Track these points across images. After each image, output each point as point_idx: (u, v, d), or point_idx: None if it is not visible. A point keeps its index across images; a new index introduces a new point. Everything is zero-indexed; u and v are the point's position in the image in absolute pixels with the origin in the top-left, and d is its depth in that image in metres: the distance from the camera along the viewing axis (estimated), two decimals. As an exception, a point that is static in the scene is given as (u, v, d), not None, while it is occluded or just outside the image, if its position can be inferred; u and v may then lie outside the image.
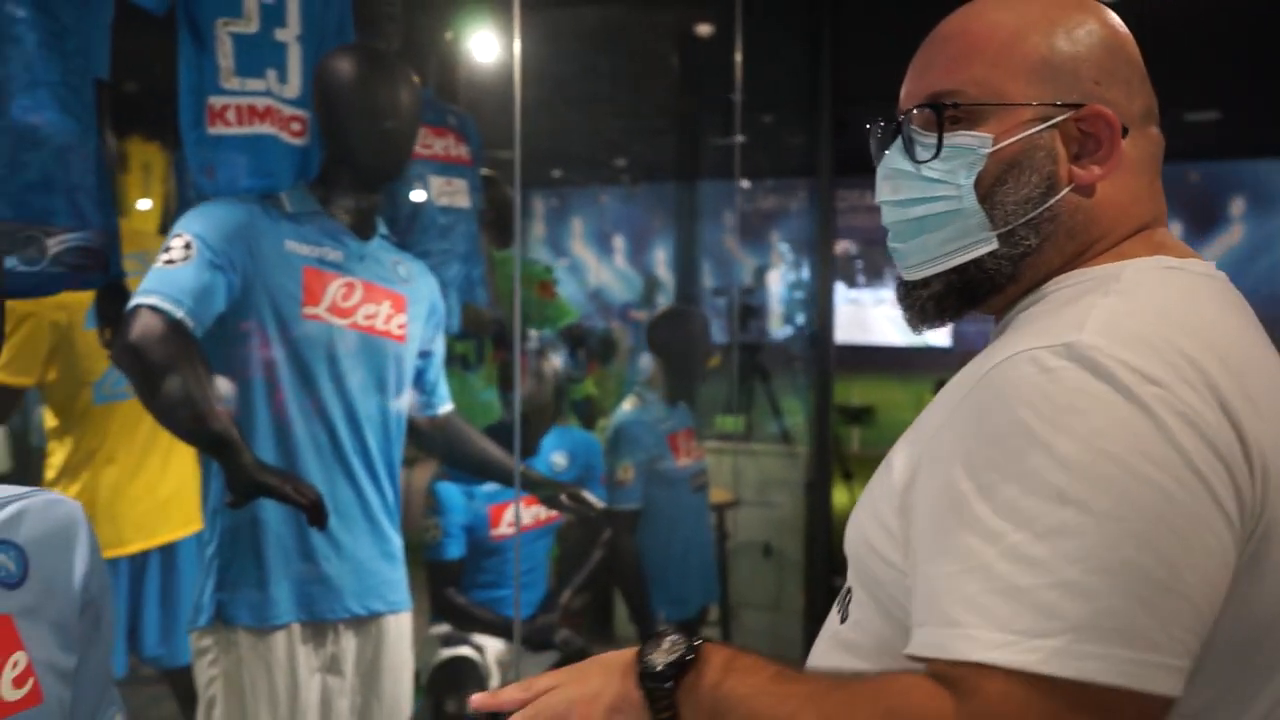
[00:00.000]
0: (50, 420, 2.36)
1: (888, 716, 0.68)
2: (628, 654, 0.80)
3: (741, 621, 3.68)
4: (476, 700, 0.86)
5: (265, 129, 1.85)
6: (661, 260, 8.47)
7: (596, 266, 8.71)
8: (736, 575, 3.69)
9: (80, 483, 2.29)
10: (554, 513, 2.50)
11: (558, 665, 2.37)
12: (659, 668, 0.76)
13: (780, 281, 7.20)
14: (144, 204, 2.80)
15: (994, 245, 0.82)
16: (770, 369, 4.85)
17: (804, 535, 3.80)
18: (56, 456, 2.34)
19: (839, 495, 3.92)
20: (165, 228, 2.34)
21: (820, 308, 3.49)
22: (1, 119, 1.51)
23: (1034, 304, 0.83)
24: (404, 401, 1.84)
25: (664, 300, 7.53)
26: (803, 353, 5.36)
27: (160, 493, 2.39)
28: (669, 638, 0.78)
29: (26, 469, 3.03)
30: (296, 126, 1.89)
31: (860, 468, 4.26)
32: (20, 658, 0.87)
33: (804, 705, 0.71)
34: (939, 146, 0.82)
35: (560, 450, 2.61)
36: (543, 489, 2.00)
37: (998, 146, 0.81)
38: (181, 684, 2.53)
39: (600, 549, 2.62)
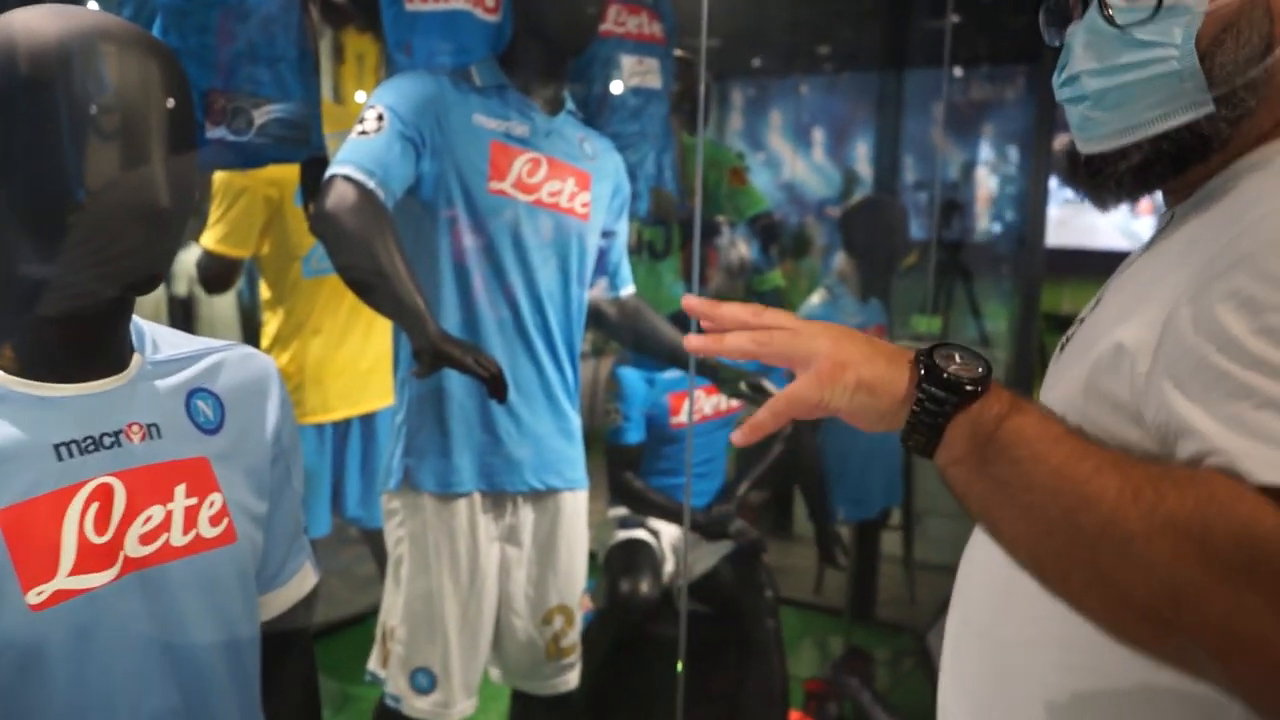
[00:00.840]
0: (265, 292, 2.52)
1: (1209, 505, 0.60)
2: (901, 348, 0.74)
3: (925, 528, 3.57)
4: (690, 301, 0.80)
5: (460, 5, 1.83)
6: (862, 155, 8.10)
7: (793, 160, 8.43)
8: (922, 480, 3.57)
9: (290, 351, 2.43)
10: (735, 403, 2.46)
11: (732, 556, 2.38)
12: (946, 373, 0.69)
13: (988, 177, 6.75)
14: (360, 95, 2.89)
15: (1211, 108, 0.78)
16: (973, 269, 4.59)
17: (999, 444, 3.60)
18: (270, 326, 2.49)
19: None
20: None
21: (1033, 207, 3.23)
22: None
23: (1254, 169, 0.77)
24: (585, 280, 1.83)
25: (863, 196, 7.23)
26: (1009, 254, 5.03)
27: (361, 364, 2.51)
28: (962, 349, 0.71)
29: (253, 339, 3.25)
30: (490, 2, 1.86)
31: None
32: (216, 498, 0.91)
33: (1107, 466, 0.64)
34: (1158, 6, 0.77)
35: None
36: (724, 378, 1.95)
37: (1215, 5, 0.78)
38: (379, 545, 2.70)
39: (781, 443, 2.57)
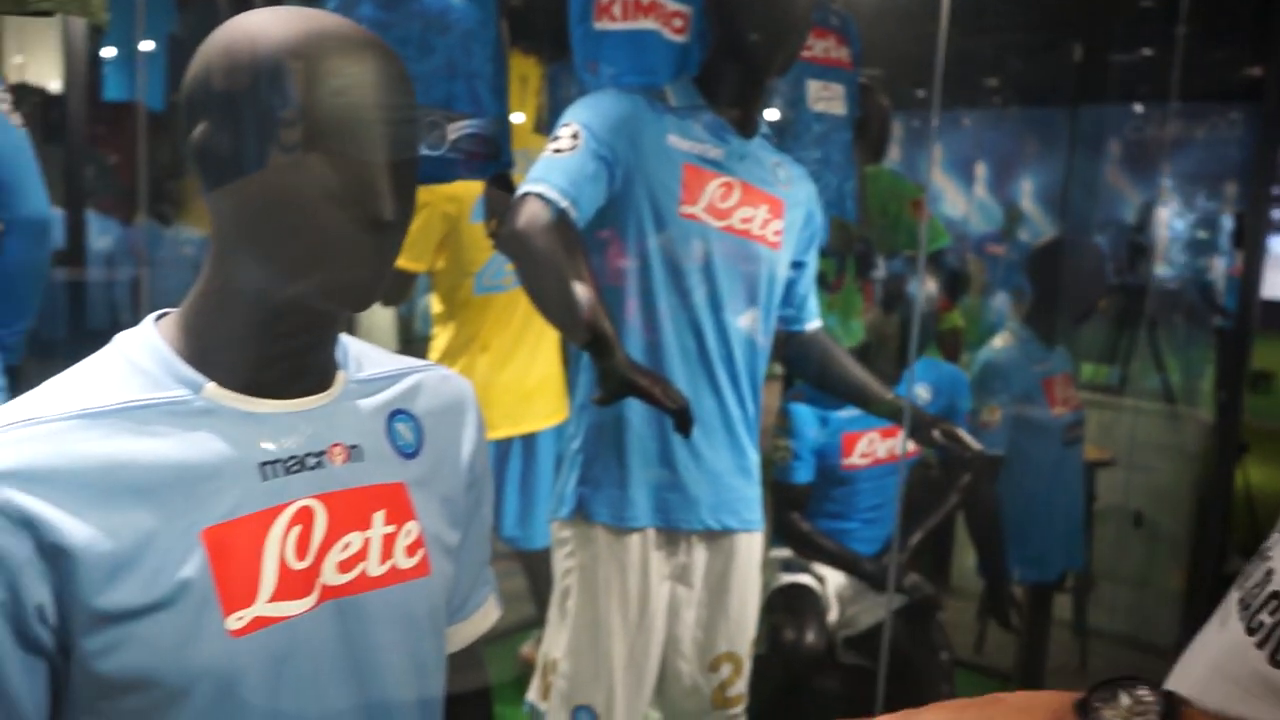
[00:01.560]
0: (436, 306, 2.53)
1: None
2: (1060, 699, 0.57)
3: (1100, 594, 3.31)
4: None
5: (649, 24, 1.79)
6: (1027, 191, 7.76)
7: (954, 195, 8.16)
8: (1100, 543, 3.32)
9: (458, 367, 2.43)
10: (909, 449, 2.32)
11: (903, 610, 2.24)
12: None
13: (1172, 219, 6.33)
14: (517, 117, 2.90)
15: None
16: (1157, 317, 4.28)
17: (1189, 508, 3.32)
18: (439, 340, 2.50)
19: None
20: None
21: (1248, 254, 2.96)
22: (415, 4, 1.56)
23: None
24: (773, 311, 1.74)
25: (1027, 235, 6.91)
26: (1199, 301, 4.68)
27: (526, 383, 2.49)
28: (1130, 691, 0.54)
29: (410, 351, 3.30)
30: (678, 23, 1.81)
31: (1256, 440, 3.67)
32: (413, 527, 0.87)
33: None
34: None
35: (924, 383, 2.41)
36: (916, 421, 1.83)
37: None
38: (531, 565, 2.68)
39: (956, 494, 2.41)
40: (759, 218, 1.67)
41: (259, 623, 0.75)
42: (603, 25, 1.81)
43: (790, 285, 1.80)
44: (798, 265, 1.80)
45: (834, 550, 2.24)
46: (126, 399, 0.75)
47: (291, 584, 0.77)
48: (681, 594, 1.70)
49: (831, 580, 2.30)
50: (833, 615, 2.27)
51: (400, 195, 0.77)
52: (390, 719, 0.84)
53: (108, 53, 3.80)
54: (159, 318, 0.82)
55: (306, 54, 0.73)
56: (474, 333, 2.45)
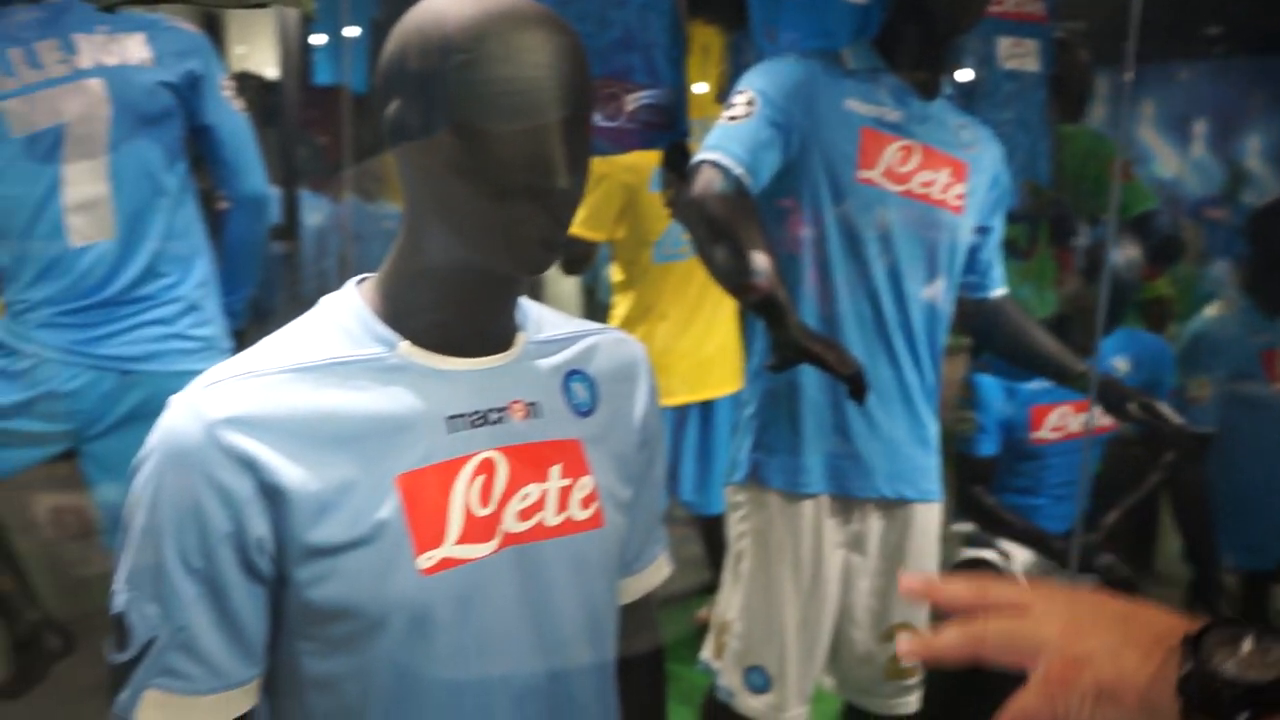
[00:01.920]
0: (616, 275, 2.59)
1: None
2: (1171, 624, 0.53)
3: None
4: (909, 582, 0.64)
5: None
6: (1255, 149, 7.10)
7: (1167, 155, 7.56)
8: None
9: (638, 334, 2.45)
10: (1105, 424, 2.20)
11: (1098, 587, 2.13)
12: (1229, 675, 0.48)
13: None
14: (699, 87, 2.90)
15: None
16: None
17: None
18: (619, 309, 2.56)
19: None
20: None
21: None
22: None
23: None
24: (955, 278, 1.69)
25: (1253, 197, 6.33)
26: None
27: (704, 351, 2.52)
28: (1255, 637, 0.49)
29: (594, 320, 3.38)
30: None
31: None
32: (587, 481, 0.91)
33: None
34: None
35: (1123, 355, 2.27)
36: (1110, 394, 1.73)
37: None
38: (708, 530, 2.72)
39: (1159, 472, 2.27)
40: (940, 181, 1.62)
41: (446, 563, 0.81)
42: None
43: (974, 251, 1.73)
44: (982, 230, 1.73)
45: (1020, 526, 2.15)
46: (331, 355, 0.82)
47: (475, 529, 0.83)
48: (856, 562, 1.69)
49: (1017, 557, 2.22)
50: (1017, 593, 2.19)
51: (574, 164, 0.81)
52: (565, 660, 0.89)
53: (317, 40, 4.08)
54: (359, 282, 0.89)
55: (489, 32, 0.77)
56: (653, 301, 2.50)
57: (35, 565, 2.13)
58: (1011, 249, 2.51)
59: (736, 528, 1.72)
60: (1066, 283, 2.56)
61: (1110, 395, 1.72)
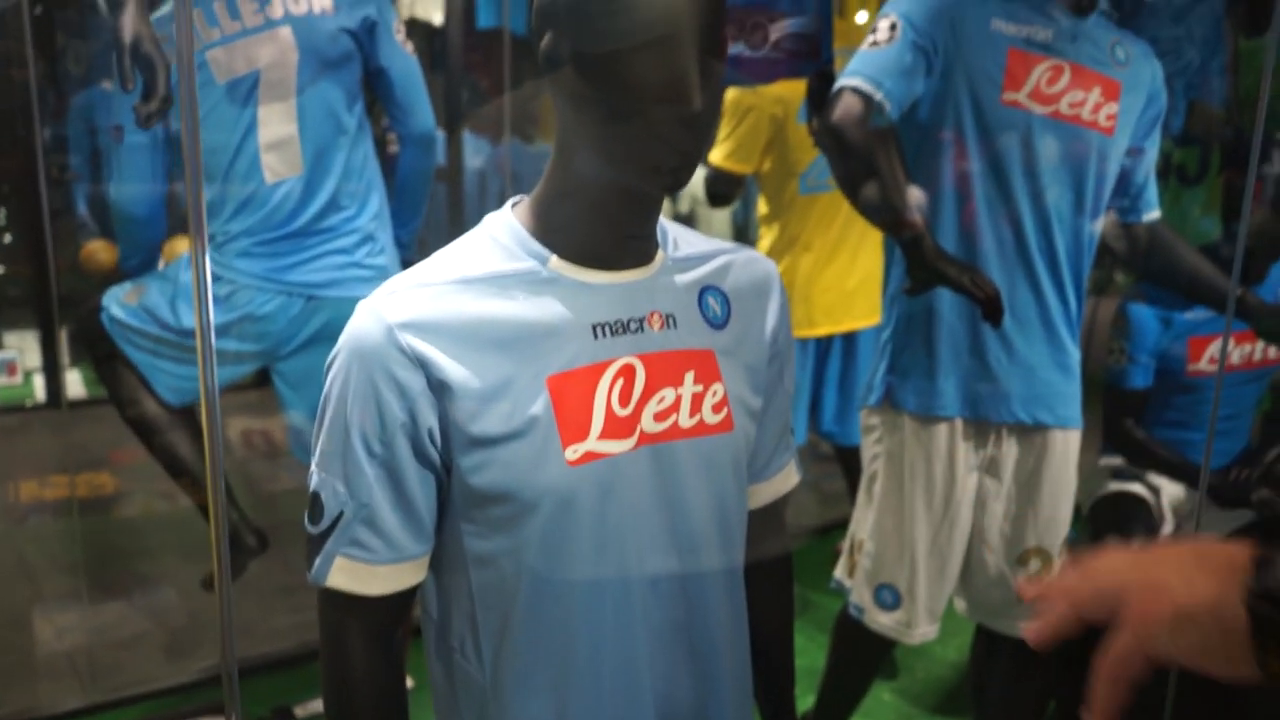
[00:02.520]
0: (762, 207, 2.63)
1: None
2: (1242, 552, 0.56)
3: None
4: (1023, 588, 0.67)
5: None
6: None
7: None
8: None
9: (783, 265, 2.53)
10: (1273, 353, 2.11)
11: (1251, 527, 2.06)
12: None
13: None
14: (862, 16, 2.87)
15: None
16: None
17: None
18: (765, 240, 2.61)
19: None
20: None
21: None
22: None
23: None
24: (1102, 202, 1.66)
25: None
26: None
27: (847, 283, 2.54)
28: None
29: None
30: None
31: None
32: (719, 388, 0.98)
33: None
34: None
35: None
36: (1265, 325, 1.67)
37: None
38: (847, 461, 2.76)
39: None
40: (1091, 101, 1.59)
41: (590, 456, 0.91)
42: None
43: (1126, 174, 1.69)
44: (1135, 152, 1.69)
45: (1173, 461, 2.10)
46: (491, 269, 0.92)
47: (616, 427, 0.92)
48: (990, 486, 1.71)
49: (1167, 492, 2.17)
50: (1166, 529, 2.15)
51: (708, 88, 0.87)
52: (696, 553, 0.98)
53: (479, -16, 4.21)
54: (515, 203, 0.99)
55: None
56: (797, 232, 2.53)
57: (230, 481, 2.39)
58: (1181, 175, 2.41)
59: (870, 449, 1.76)
60: (1259, 213, 2.43)
61: (1264, 325, 1.66)
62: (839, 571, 1.85)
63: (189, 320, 1.90)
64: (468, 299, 0.90)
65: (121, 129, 1.86)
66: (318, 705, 2.46)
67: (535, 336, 0.90)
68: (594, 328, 0.92)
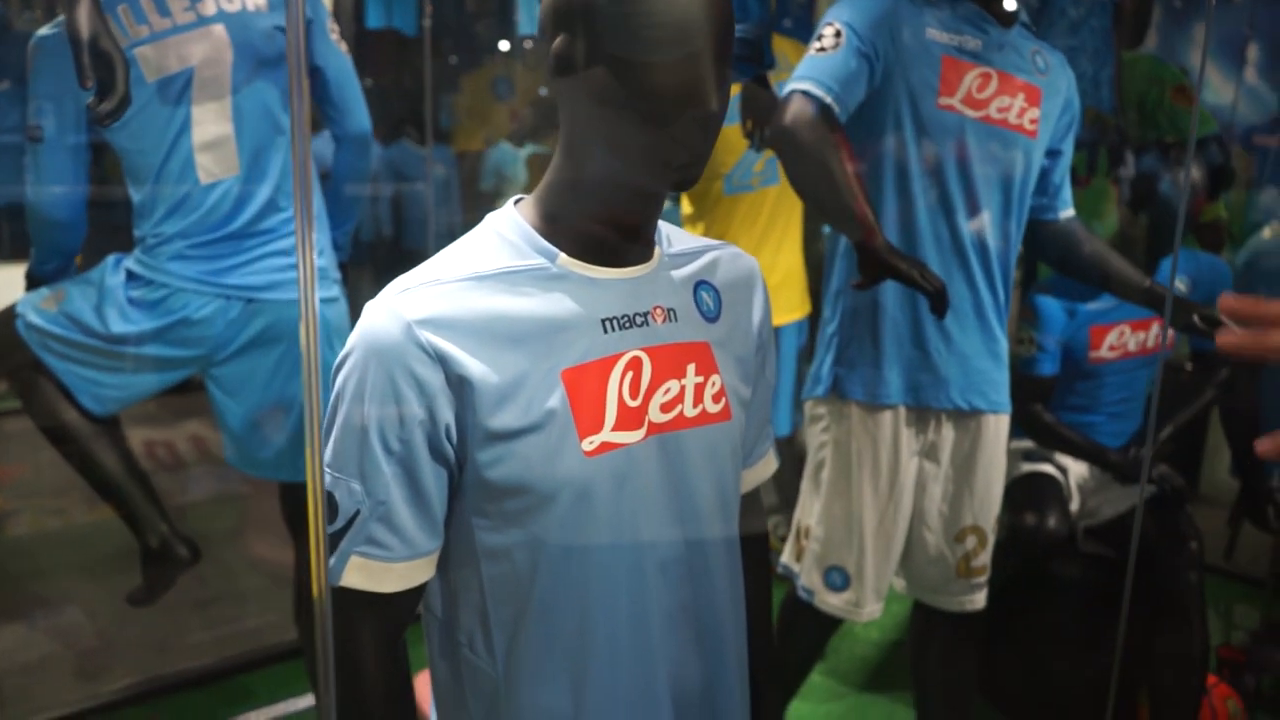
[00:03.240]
0: (687, 207, 2.69)
1: None
2: None
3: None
4: (1228, 303, 0.70)
5: None
6: (1309, 74, 6.95)
7: (1220, 82, 7.43)
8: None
9: (707, 263, 2.58)
10: (1158, 342, 2.29)
11: (1151, 500, 2.24)
12: None
13: None
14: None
15: None
16: None
17: None
18: (689, 239, 2.66)
19: None
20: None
21: None
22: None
23: None
24: (1026, 200, 1.78)
25: (1306, 123, 6.23)
26: None
27: (771, 280, 2.62)
28: None
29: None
30: None
31: None
32: (716, 379, 1.02)
33: None
34: None
35: (1182, 274, 2.35)
36: (1175, 309, 1.82)
37: None
38: (779, 451, 2.84)
39: (1213, 389, 2.35)
40: (1016, 106, 1.70)
41: (605, 447, 0.93)
42: None
43: (1045, 174, 1.82)
44: (1053, 154, 1.81)
45: (1079, 442, 2.25)
46: (501, 265, 0.94)
47: (627, 418, 0.95)
48: (929, 469, 1.80)
49: (1073, 471, 2.33)
50: (1074, 505, 2.30)
51: (721, 89, 0.91)
52: (701, 533, 1.02)
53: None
54: (516, 202, 1.00)
55: None
56: (722, 231, 2.59)
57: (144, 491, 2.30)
58: (1071, 175, 2.58)
59: (817, 438, 1.84)
60: (1116, 213, 2.62)
61: (1175, 309, 1.81)
62: (785, 557, 1.92)
63: (116, 326, 1.82)
64: (481, 295, 0.91)
65: (39, 128, 1.77)
66: (248, 721, 2.40)
67: (548, 331, 0.92)
68: (603, 322, 0.94)
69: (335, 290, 1.97)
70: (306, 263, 0.74)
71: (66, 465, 2.03)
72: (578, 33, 0.89)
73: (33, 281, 1.97)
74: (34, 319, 1.83)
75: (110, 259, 1.87)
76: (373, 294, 0.94)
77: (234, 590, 2.90)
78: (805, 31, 3.12)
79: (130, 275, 1.83)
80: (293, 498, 2.04)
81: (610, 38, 0.88)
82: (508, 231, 0.97)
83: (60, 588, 2.93)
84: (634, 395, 0.96)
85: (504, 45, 6.18)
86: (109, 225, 1.98)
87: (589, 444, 0.92)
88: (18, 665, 2.56)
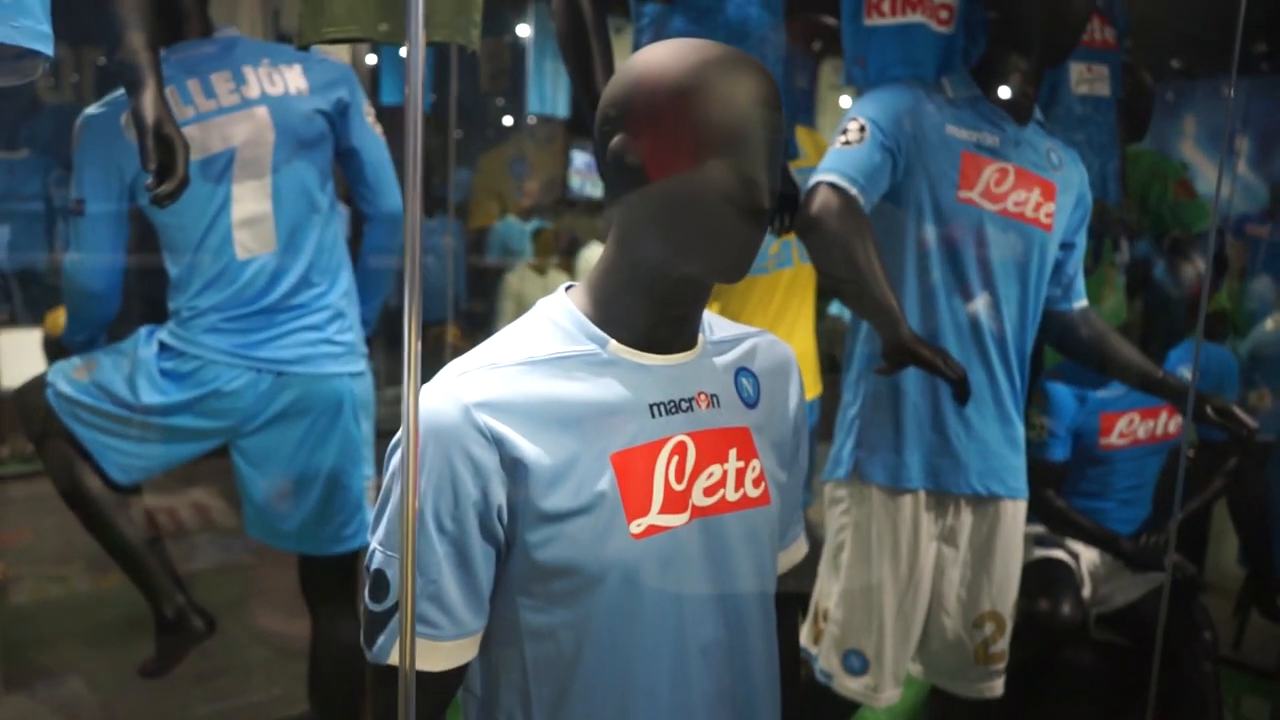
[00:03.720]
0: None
1: None
2: None
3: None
4: None
5: (917, 18, 1.90)
6: (1298, 166, 7.12)
7: (1209, 172, 7.60)
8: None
9: (722, 343, 2.62)
10: (1170, 431, 2.32)
11: (1162, 590, 2.25)
12: None
13: None
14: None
15: None
16: None
17: None
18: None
19: None
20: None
21: None
22: (720, 15, 1.75)
23: None
24: (1043, 291, 1.82)
25: (1295, 214, 6.37)
26: None
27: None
28: None
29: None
30: (944, 14, 1.91)
31: None
32: (756, 464, 1.05)
33: None
34: None
35: (1187, 365, 2.39)
36: (1185, 399, 1.85)
37: None
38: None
39: (1221, 478, 2.38)
40: (1032, 200, 1.76)
41: (652, 530, 0.95)
42: (872, 22, 1.94)
43: (1059, 266, 1.87)
44: (1067, 246, 1.86)
45: (1091, 528, 2.27)
46: (554, 351, 0.97)
47: (673, 501, 0.97)
48: (948, 554, 1.82)
49: (1084, 557, 2.34)
50: (1085, 592, 2.31)
51: (773, 187, 0.95)
52: (741, 616, 1.03)
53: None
54: (568, 288, 1.04)
55: (710, 78, 0.91)
56: (736, 313, 2.62)
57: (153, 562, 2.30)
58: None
59: (837, 521, 1.86)
60: (1110, 300, 2.68)
61: (1181, 400, 1.85)
62: (803, 639, 1.92)
63: (147, 396, 1.85)
64: (535, 380, 0.94)
65: (83, 202, 1.82)
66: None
67: (598, 415, 0.95)
68: (651, 407, 0.97)
69: (363, 365, 2.00)
70: (410, 351, 0.77)
71: (69, 532, 2.04)
72: (640, 135, 0.93)
73: (61, 351, 2.00)
74: (64, 388, 1.86)
75: (143, 330, 1.91)
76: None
77: (239, 663, 2.87)
78: (806, 116, 3.21)
79: (163, 347, 1.86)
80: (312, 570, 2.04)
81: (669, 140, 0.92)
82: (560, 317, 1.00)
83: (62, 657, 2.89)
84: (679, 479, 0.98)
85: (524, 119, 6.31)
86: (141, 297, 2.02)
87: (637, 526, 0.94)
88: (18, 737, 2.52)
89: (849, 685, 1.83)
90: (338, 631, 2.03)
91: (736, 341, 1.09)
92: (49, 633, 3.04)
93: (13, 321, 3.24)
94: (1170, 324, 2.33)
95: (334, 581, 2.03)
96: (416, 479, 0.79)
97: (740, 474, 1.03)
